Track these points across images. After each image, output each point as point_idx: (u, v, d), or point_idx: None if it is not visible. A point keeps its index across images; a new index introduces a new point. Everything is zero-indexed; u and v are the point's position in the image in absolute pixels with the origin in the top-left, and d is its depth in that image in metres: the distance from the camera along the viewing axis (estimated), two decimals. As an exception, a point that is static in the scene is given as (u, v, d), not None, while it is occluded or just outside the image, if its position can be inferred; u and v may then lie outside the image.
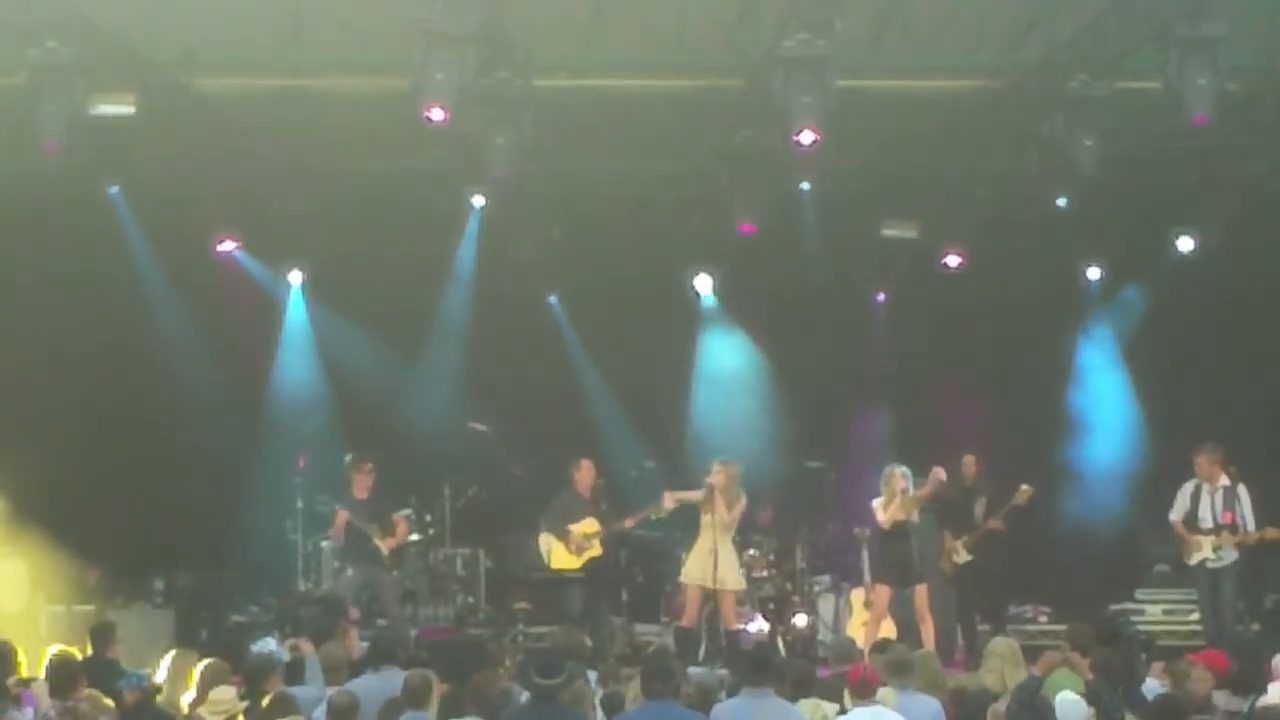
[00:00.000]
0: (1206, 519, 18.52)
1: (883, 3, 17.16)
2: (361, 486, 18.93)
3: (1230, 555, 18.44)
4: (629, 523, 19.52)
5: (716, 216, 19.80)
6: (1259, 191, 20.24)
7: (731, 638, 18.10)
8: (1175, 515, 18.72)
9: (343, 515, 18.64)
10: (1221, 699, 13.46)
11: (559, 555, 19.53)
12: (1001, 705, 12.84)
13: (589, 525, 19.45)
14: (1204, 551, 18.49)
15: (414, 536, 19.95)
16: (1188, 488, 18.67)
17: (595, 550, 19.51)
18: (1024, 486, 19.12)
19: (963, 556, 19.33)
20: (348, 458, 19.07)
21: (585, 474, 19.65)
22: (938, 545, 19.42)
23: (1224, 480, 18.51)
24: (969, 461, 19.42)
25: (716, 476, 18.03)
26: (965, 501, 19.41)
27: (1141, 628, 17.55)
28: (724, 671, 15.90)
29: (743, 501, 18.19)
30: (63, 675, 12.78)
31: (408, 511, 19.85)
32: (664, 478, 19.25)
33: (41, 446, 19.40)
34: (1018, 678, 13.39)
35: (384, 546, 18.73)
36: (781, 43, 15.81)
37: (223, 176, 19.51)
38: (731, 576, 18.30)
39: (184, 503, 20.04)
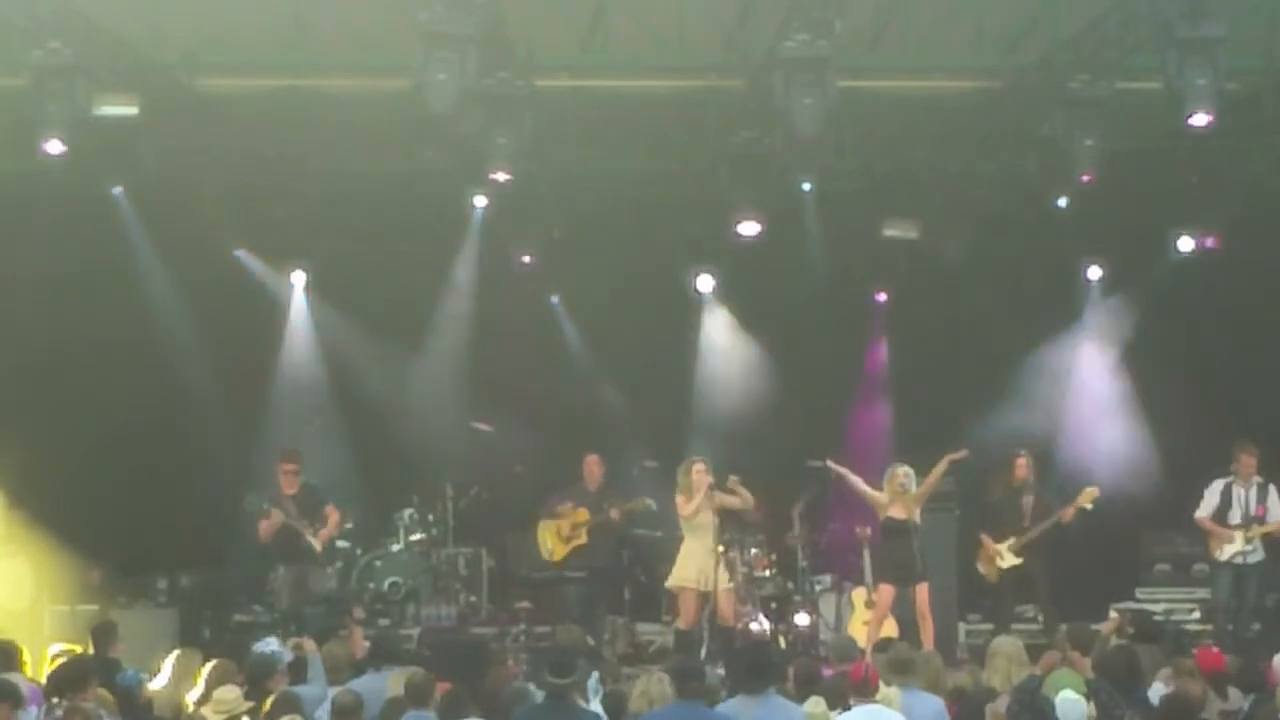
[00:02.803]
0: (1237, 515, 18.53)
1: (883, 3, 17.20)
2: (288, 483, 18.98)
3: (1258, 553, 18.47)
4: (614, 513, 19.64)
5: (717, 216, 19.84)
6: (1259, 191, 20.28)
7: (728, 636, 18.10)
8: (1203, 512, 18.69)
9: (276, 516, 18.65)
10: (1220, 697, 13.50)
11: (549, 540, 19.74)
12: (1000, 704, 12.87)
13: (579, 515, 19.65)
14: (1236, 545, 18.47)
15: (348, 525, 19.95)
16: (1217, 485, 18.68)
17: (580, 539, 19.67)
18: (1090, 488, 18.85)
19: (1008, 560, 18.97)
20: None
21: (590, 468, 19.92)
22: (947, 545, 19.41)
23: (1257, 478, 18.55)
24: (1021, 463, 19.09)
25: (704, 475, 18.06)
26: (1011, 502, 19.06)
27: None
28: (723, 671, 15.95)
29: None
30: (73, 674, 12.82)
31: (409, 515, 19.96)
32: (665, 477, 19.27)
33: (45, 446, 19.45)
34: (1023, 677, 13.43)
35: (316, 543, 18.79)
36: (782, 43, 15.83)
37: (225, 177, 19.57)
38: (728, 574, 18.35)
39: (187, 502, 20.07)
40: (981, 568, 19.25)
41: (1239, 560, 18.49)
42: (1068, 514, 18.90)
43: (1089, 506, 18.88)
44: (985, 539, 19.16)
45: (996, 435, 20.39)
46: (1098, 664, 13.64)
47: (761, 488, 19.80)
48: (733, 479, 18.16)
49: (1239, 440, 18.65)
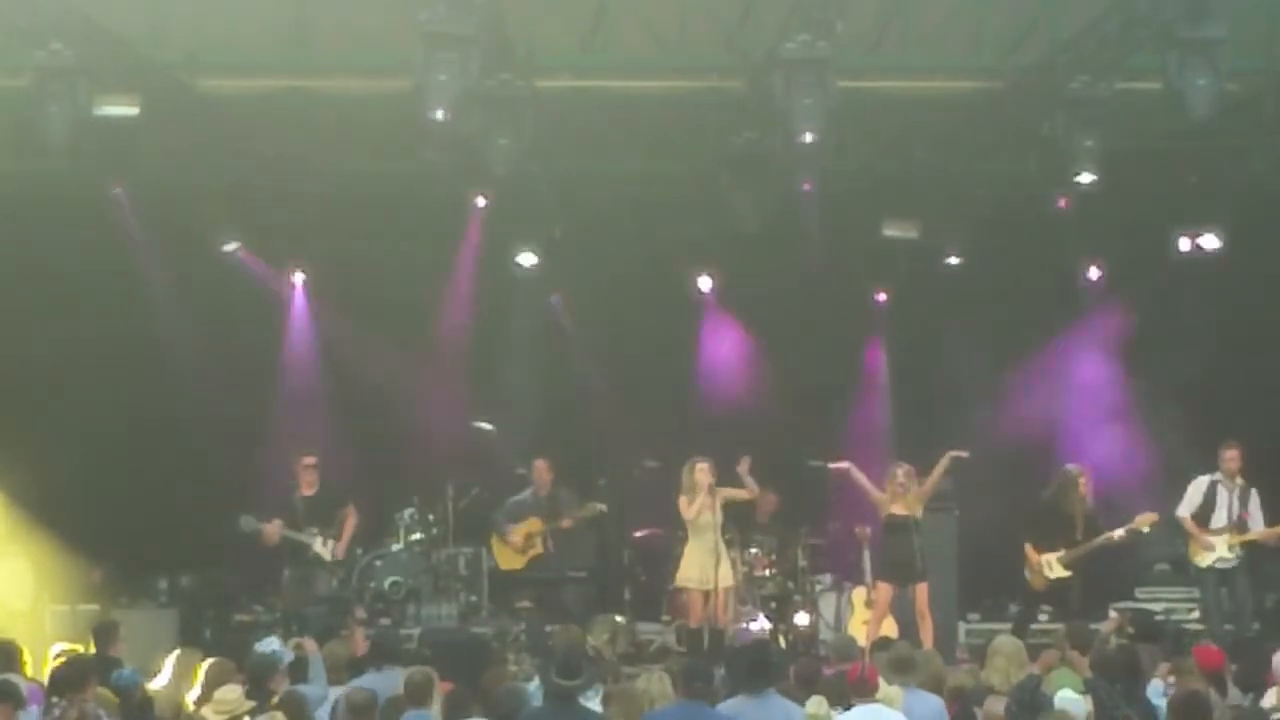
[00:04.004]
0: (1222, 517, 18.44)
1: (883, 4, 17.21)
2: (307, 483, 18.98)
3: (1240, 554, 18.45)
4: (566, 523, 19.72)
5: (718, 217, 19.86)
6: (1259, 191, 20.30)
7: (719, 636, 18.11)
8: (1185, 511, 18.56)
9: (272, 530, 18.62)
10: (1219, 696, 13.50)
11: (505, 557, 19.75)
12: (992, 705, 12.84)
13: (532, 524, 19.65)
14: (1218, 551, 18.41)
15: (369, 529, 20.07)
16: (1201, 483, 18.56)
17: (537, 549, 19.73)
18: (1149, 514, 18.61)
19: (1057, 571, 18.70)
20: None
21: (540, 473, 19.95)
22: (948, 544, 19.43)
23: (1240, 480, 18.52)
24: (1084, 480, 18.90)
25: (707, 475, 18.09)
26: (1069, 516, 18.82)
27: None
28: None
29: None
30: (74, 673, 12.82)
31: (419, 517, 19.92)
32: (665, 477, 19.28)
33: (46, 446, 19.44)
34: (1022, 677, 13.45)
35: (325, 553, 18.80)
36: (782, 44, 15.85)
37: (226, 177, 19.59)
38: (730, 573, 18.40)
39: (187, 502, 20.07)
40: (1028, 575, 19.06)
41: (1221, 565, 18.47)
42: (1118, 535, 18.75)
43: (1145, 530, 18.75)
44: (1029, 549, 18.84)
45: (996, 436, 20.45)
46: (1097, 663, 13.66)
47: (773, 489, 19.96)
48: (742, 464, 18.17)
49: (1225, 439, 18.61)
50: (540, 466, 19.97)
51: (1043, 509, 18.94)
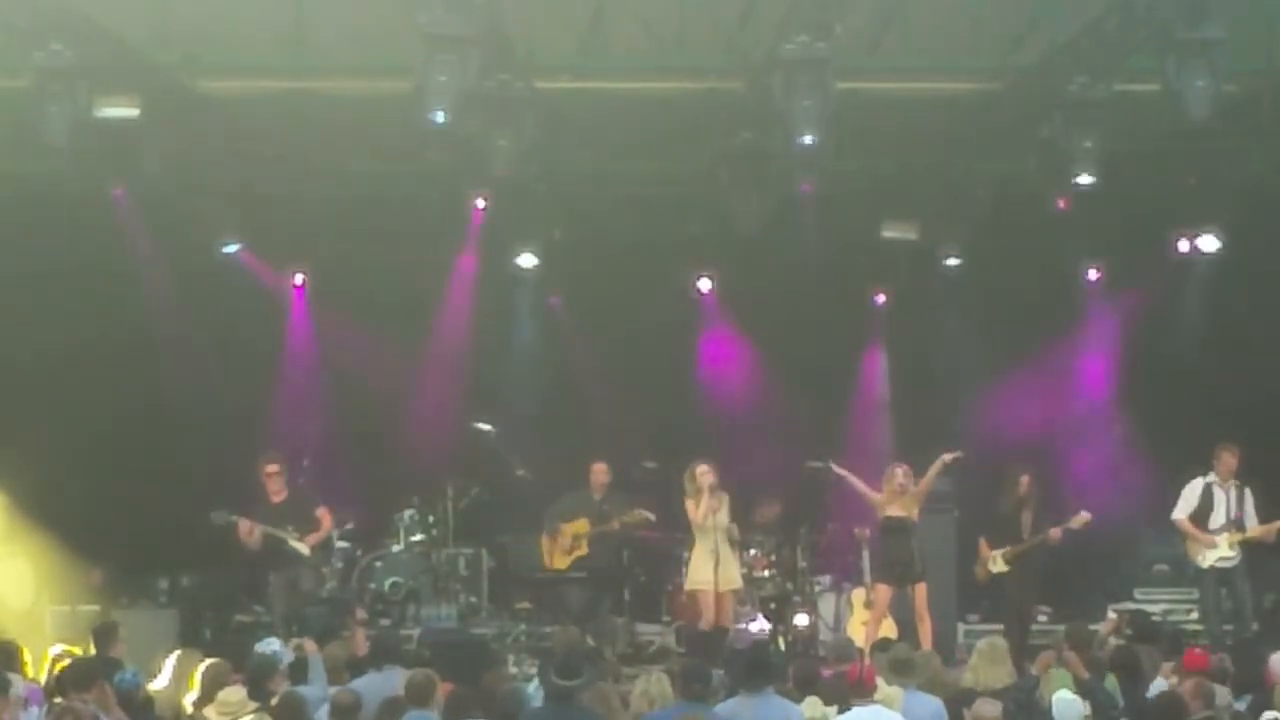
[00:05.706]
0: (1220, 517, 18.47)
1: (882, 5, 17.23)
2: (273, 490, 18.92)
3: (1239, 553, 18.48)
4: (613, 526, 19.68)
5: (717, 218, 19.89)
6: (1259, 192, 20.32)
7: (719, 637, 18.11)
8: (1181, 513, 18.60)
9: (244, 525, 18.61)
10: (1220, 697, 13.52)
11: (551, 555, 19.77)
12: (983, 708, 12.83)
13: (580, 525, 19.63)
14: (1220, 550, 18.45)
15: (348, 525, 20.01)
16: (1196, 485, 18.58)
17: (582, 550, 19.68)
18: (1083, 513, 18.88)
19: (999, 566, 19.07)
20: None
21: (596, 475, 19.91)
22: (946, 545, 19.47)
23: (1234, 480, 18.55)
24: (1024, 480, 19.09)
25: (709, 477, 18.10)
26: (1014, 515, 19.14)
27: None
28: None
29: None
30: (80, 674, 12.83)
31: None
32: (664, 478, 19.30)
33: (46, 446, 19.48)
34: (995, 676, 13.48)
35: (302, 546, 18.76)
36: (781, 45, 15.87)
37: (226, 178, 19.61)
38: (734, 576, 18.41)
39: (187, 502, 20.07)
40: (976, 569, 19.37)
41: (1222, 564, 18.50)
42: (1055, 534, 18.97)
43: (1077, 529, 18.94)
44: (982, 543, 19.24)
45: (995, 437, 20.47)
46: (1095, 664, 13.68)
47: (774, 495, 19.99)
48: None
49: (1222, 441, 18.63)
50: (598, 470, 19.92)
51: (998, 510, 19.23)
